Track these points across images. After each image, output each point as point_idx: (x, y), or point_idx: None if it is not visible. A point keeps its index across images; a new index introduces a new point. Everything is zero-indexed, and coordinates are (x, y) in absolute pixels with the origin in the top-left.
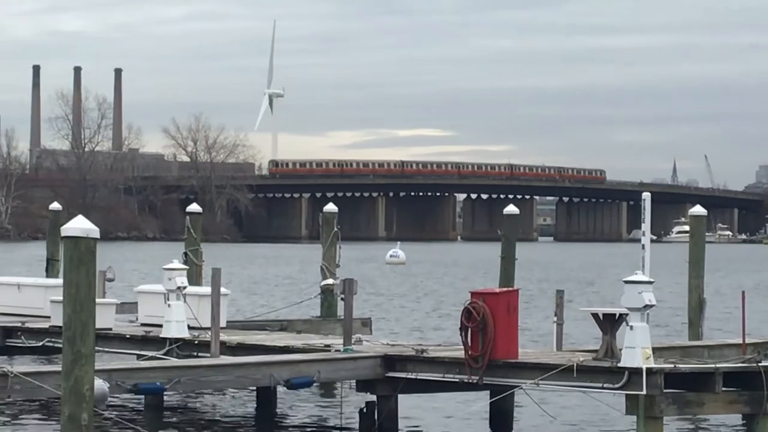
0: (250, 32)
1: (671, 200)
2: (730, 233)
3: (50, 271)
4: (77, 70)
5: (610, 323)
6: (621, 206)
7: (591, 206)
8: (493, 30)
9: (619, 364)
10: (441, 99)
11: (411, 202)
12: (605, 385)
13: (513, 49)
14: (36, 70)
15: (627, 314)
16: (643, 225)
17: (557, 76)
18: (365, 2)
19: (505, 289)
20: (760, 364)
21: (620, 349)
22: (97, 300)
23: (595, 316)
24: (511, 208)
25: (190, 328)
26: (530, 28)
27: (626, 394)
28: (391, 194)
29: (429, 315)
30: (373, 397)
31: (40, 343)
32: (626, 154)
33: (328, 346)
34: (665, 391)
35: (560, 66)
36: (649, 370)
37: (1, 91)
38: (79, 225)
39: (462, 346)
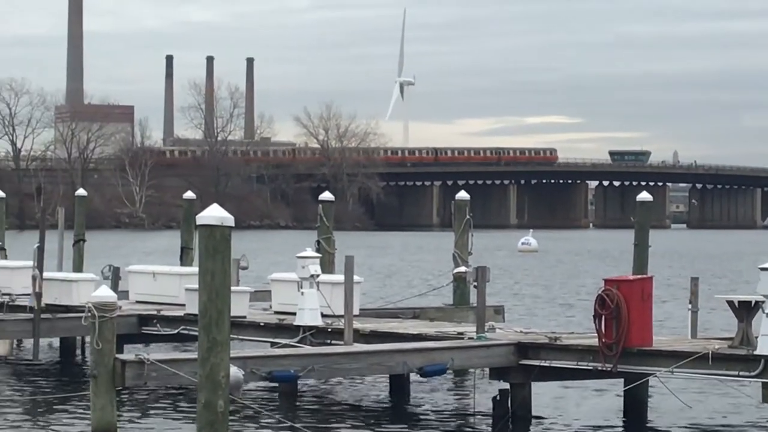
0: (378, 21)
1: None
2: None
3: (185, 259)
4: (209, 60)
5: (746, 311)
6: (755, 193)
7: (725, 193)
8: (623, 15)
9: (755, 352)
10: (570, 85)
11: (542, 190)
12: (741, 374)
13: (643, 35)
14: (169, 60)
15: (763, 302)
16: None
17: (689, 61)
18: None
19: (639, 276)
20: None
21: (756, 337)
22: (232, 288)
23: (730, 303)
24: (644, 195)
25: (323, 315)
26: (660, 14)
27: (762, 382)
28: (522, 182)
29: (562, 302)
30: (507, 385)
31: (176, 331)
32: (760, 140)
33: (461, 333)
34: None
35: (691, 51)
36: None
37: (134, 81)
38: (214, 213)
39: (595, 334)
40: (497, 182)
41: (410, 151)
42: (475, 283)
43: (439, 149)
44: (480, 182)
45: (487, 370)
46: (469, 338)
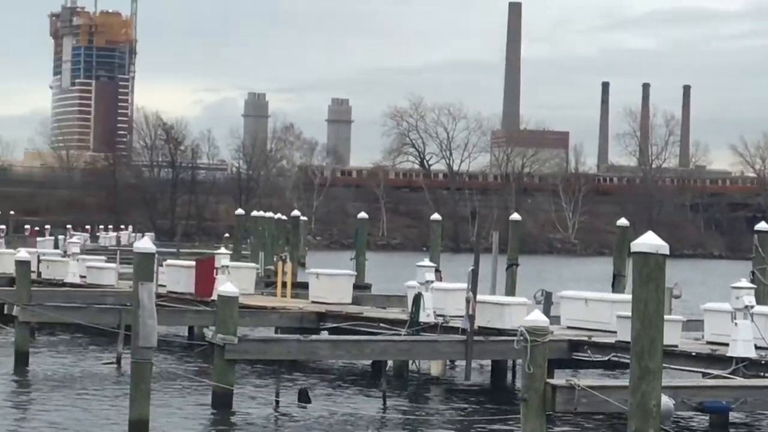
0: None
1: None
2: None
3: (616, 286)
4: (645, 87)
5: None
6: None
7: None
8: None
9: None
10: None
11: None
12: None
13: None
14: (605, 86)
15: None
16: None
17: None
18: None
19: None
20: None
21: None
22: (665, 316)
23: None
24: None
25: (756, 348)
26: None
27: None
28: None
29: None
30: None
31: (606, 358)
32: None
33: None
34: None
35: None
36: None
37: (570, 107)
38: (650, 241)
39: None
40: None
41: None
42: None
43: None
44: None
45: None
46: None
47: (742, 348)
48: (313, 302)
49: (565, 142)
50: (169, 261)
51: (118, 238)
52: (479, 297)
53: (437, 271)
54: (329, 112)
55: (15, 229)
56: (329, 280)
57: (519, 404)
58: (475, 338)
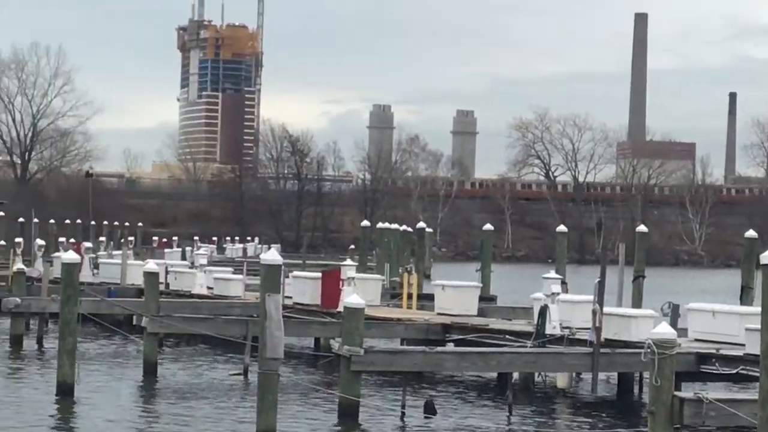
0: None
1: None
2: None
3: (744, 298)
4: None
5: None
6: None
7: None
8: None
9: None
10: None
11: None
12: None
13: None
14: (732, 97)
15: None
16: None
17: None
18: None
19: None
20: None
21: None
22: None
23: None
24: None
25: None
26: None
27: None
28: None
29: None
30: None
31: (734, 371)
32: None
33: None
34: None
35: None
36: None
37: (696, 117)
38: None
39: None
40: None
41: None
42: None
43: None
44: None
45: None
46: None
47: None
48: (438, 314)
49: (691, 153)
50: (295, 273)
51: (244, 250)
52: (606, 309)
53: (563, 283)
54: (454, 124)
55: (143, 240)
56: (455, 292)
57: (646, 417)
58: (602, 350)
